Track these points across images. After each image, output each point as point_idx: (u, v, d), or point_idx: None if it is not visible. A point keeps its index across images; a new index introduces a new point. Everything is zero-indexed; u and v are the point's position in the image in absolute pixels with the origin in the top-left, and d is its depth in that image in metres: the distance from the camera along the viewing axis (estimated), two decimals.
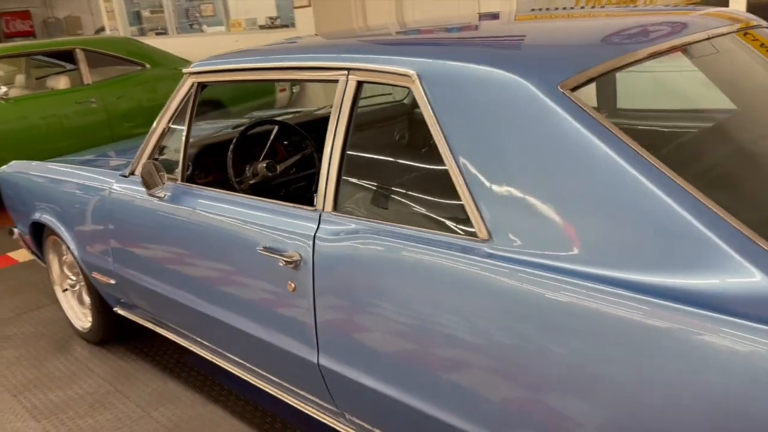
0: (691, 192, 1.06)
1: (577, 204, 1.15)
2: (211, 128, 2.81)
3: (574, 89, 1.22)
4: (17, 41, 9.44)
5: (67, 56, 5.69)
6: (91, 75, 5.54)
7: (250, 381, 2.04)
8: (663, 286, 1.03)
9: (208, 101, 5.79)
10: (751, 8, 3.91)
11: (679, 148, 1.52)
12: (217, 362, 2.19)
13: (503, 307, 1.19)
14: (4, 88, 5.04)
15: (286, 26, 7.20)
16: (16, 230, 3.19)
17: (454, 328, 1.26)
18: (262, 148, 2.36)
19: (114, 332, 2.86)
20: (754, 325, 0.93)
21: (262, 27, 7.51)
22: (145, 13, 9.61)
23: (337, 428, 1.75)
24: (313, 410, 1.82)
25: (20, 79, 5.94)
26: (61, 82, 5.51)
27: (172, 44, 8.19)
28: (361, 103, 1.56)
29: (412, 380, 1.38)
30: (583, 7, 4.69)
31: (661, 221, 1.06)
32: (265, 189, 2.25)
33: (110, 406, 2.44)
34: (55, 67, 6.16)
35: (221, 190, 1.94)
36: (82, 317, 2.96)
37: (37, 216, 2.83)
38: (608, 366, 1.06)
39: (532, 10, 4.01)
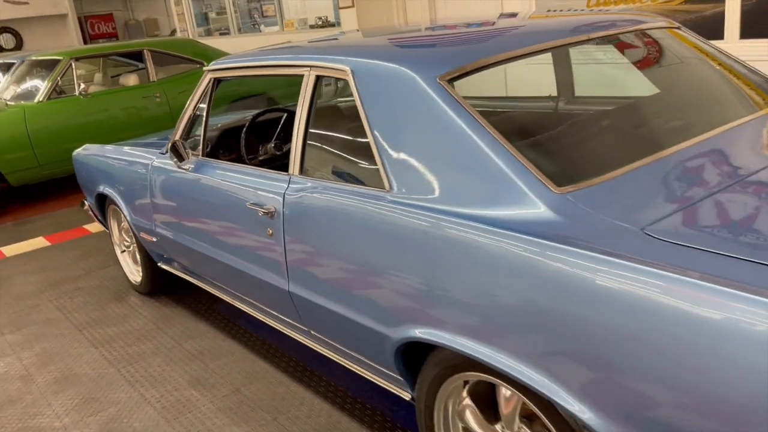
0: (510, 150, 1.50)
1: (441, 162, 1.60)
2: (237, 115, 3.38)
3: (450, 80, 1.67)
4: (101, 42, 10.42)
5: (137, 56, 6.45)
6: (156, 73, 6.27)
7: (260, 319, 2.56)
8: (489, 216, 1.47)
9: (258, 95, 6.43)
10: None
11: (521, 121, 1.95)
12: (235, 305, 2.74)
13: (403, 237, 1.64)
14: (82, 86, 5.81)
15: (333, 25, 7.76)
16: (86, 203, 3.87)
17: (374, 255, 1.73)
18: (275, 131, 2.90)
19: (159, 284, 3.47)
20: (535, 239, 1.36)
21: (312, 26, 8.10)
22: (212, 15, 10.41)
23: (308, 345, 2.26)
24: (295, 334, 2.33)
25: (98, 77, 6.76)
26: (131, 80, 6.27)
27: (232, 43, 8.93)
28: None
29: (349, 298, 1.87)
30: (584, 9, 5.00)
31: (489, 172, 1.50)
32: (273, 165, 2.78)
33: (152, 339, 3.05)
34: (129, 66, 6.94)
35: (228, 162, 2.48)
36: (135, 273, 3.59)
37: (100, 188, 3.48)
38: (453, 268, 1.50)
39: (548, 10, 4.39)
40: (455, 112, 1.59)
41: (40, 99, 5.69)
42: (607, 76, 2.41)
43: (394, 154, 1.71)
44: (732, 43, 4.26)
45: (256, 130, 2.91)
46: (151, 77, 6.24)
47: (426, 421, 1.75)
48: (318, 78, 2.04)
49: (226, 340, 2.95)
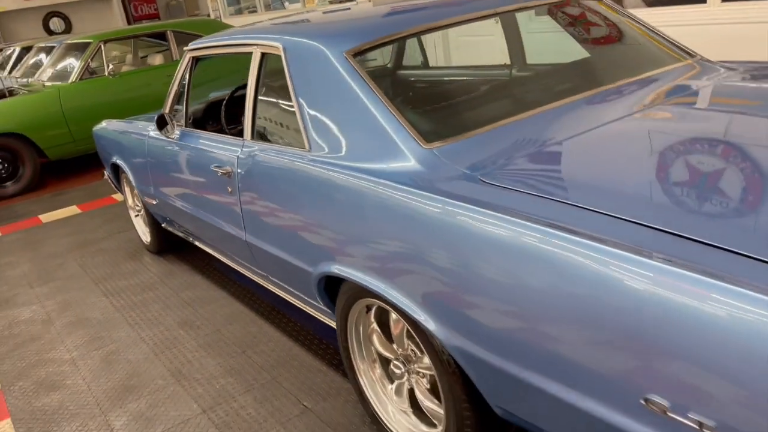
0: (394, 114, 1.78)
1: (344, 125, 1.90)
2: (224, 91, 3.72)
3: (355, 54, 1.96)
4: (144, 23, 10.92)
5: (163, 37, 6.87)
6: (179, 52, 6.68)
7: (243, 272, 2.91)
8: (375, 168, 1.77)
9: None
10: None
11: (414, 88, 2.20)
12: (216, 256, 3.11)
13: (317, 190, 1.95)
14: (111, 66, 6.27)
15: (352, 0, 8.00)
16: (105, 173, 4.31)
17: (298, 204, 2.05)
18: None
19: (165, 244, 3.89)
20: (401, 186, 1.65)
21: (331, 2, 8.36)
22: None
23: (272, 289, 2.61)
24: (260, 280, 2.68)
25: (129, 57, 7.23)
26: (157, 59, 6.71)
27: (257, 20, 9.25)
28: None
29: (284, 242, 2.19)
30: None
31: (377, 132, 1.79)
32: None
33: (154, 290, 3.47)
34: (159, 47, 7.38)
35: (203, 131, 2.82)
36: (146, 234, 4.02)
37: (114, 159, 3.90)
38: (349, 214, 1.79)
39: None
40: (355, 82, 1.89)
41: (73, 79, 6.18)
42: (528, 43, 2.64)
43: (311, 119, 2.02)
44: (714, 6, 4.34)
45: (237, 102, 3.24)
46: (174, 56, 6.66)
47: (343, 342, 2.07)
48: (263, 55, 2.35)
49: (216, 290, 3.34)
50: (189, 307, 3.20)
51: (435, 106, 1.97)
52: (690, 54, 2.35)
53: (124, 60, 7.31)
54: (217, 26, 7.08)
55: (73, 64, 6.38)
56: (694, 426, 1.04)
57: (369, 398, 2.05)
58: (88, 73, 6.29)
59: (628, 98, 1.97)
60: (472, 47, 5.86)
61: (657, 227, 1.18)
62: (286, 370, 2.52)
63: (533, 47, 2.60)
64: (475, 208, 1.43)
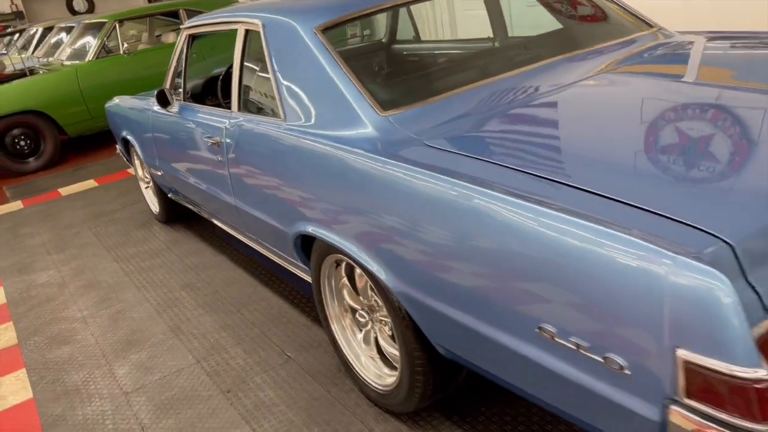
0: (356, 85, 1.94)
1: (313, 96, 2.06)
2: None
3: (323, 30, 2.11)
4: (159, 2, 11.12)
5: (176, 15, 7.05)
6: None
7: (242, 240, 3.11)
8: (338, 135, 1.93)
9: None
10: None
11: (380, 61, 2.35)
12: (214, 222, 3.32)
13: (291, 156, 2.13)
14: (126, 45, 6.49)
15: None
16: (117, 147, 4.53)
17: (276, 170, 2.22)
18: None
19: (172, 213, 4.11)
20: (361, 152, 1.81)
21: None
22: None
23: (265, 254, 2.81)
24: (252, 243, 2.88)
25: (144, 36, 7.44)
26: (170, 37, 6.90)
27: None
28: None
29: (265, 205, 2.38)
30: None
31: (341, 102, 1.95)
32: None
33: (161, 256, 3.70)
34: (173, 25, 7.57)
35: (199, 105, 3.01)
36: (155, 205, 4.25)
37: (123, 133, 4.11)
38: (317, 177, 1.96)
39: None
40: (322, 56, 2.05)
41: (90, 58, 6.41)
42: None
43: (286, 91, 2.19)
44: None
45: (226, 78, 3.41)
46: None
47: (317, 296, 2.26)
48: (246, 31, 2.51)
49: (218, 256, 3.55)
50: (192, 271, 3.42)
51: (399, 78, 2.13)
52: (649, 24, 2.46)
53: (139, 38, 7.52)
54: (226, 4, 7.24)
55: (90, 43, 6.61)
56: (573, 347, 1.21)
57: (341, 347, 2.24)
58: (104, 51, 6.51)
59: (579, 67, 2.09)
60: (473, 20, 5.96)
61: (561, 181, 1.33)
62: (274, 326, 2.73)
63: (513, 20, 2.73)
64: (410, 167, 1.59)
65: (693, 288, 1.00)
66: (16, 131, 6.24)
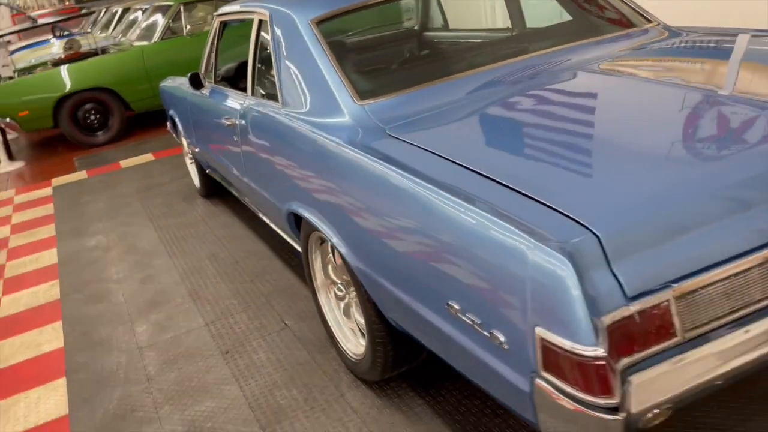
0: (340, 76, 2.08)
1: (305, 84, 2.22)
2: None
3: (318, 23, 2.26)
4: None
5: None
6: None
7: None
8: (322, 122, 2.09)
9: None
10: None
11: (367, 52, 2.46)
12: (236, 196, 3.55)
13: (285, 139, 2.30)
14: (189, 27, 6.84)
15: None
16: (168, 123, 4.86)
17: (274, 150, 2.40)
18: None
19: (210, 188, 4.39)
20: (335, 138, 1.96)
21: None
22: None
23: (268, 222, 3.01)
24: (263, 217, 3.09)
25: (209, 18, 7.79)
26: None
27: None
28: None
29: (265, 183, 2.57)
30: None
31: (326, 92, 2.10)
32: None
33: (195, 227, 3.98)
34: None
35: (226, 87, 3.23)
36: (196, 179, 4.54)
37: (170, 112, 4.42)
38: (303, 159, 2.13)
39: None
40: (312, 46, 2.20)
41: (156, 39, 6.81)
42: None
43: (285, 78, 2.36)
44: None
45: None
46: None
47: (307, 270, 2.44)
48: (260, 21, 2.69)
49: (245, 229, 3.80)
50: (219, 242, 3.68)
51: (376, 68, 2.26)
52: (648, 19, 2.47)
53: (204, 21, 7.88)
54: None
55: (157, 24, 7.00)
56: (470, 322, 1.33)
57: (326, 318, 2.41)
58: (169, 33, 6.89)
59: (554, 62, 2.16)
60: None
61: (477, 171, 1.44)
62: (279, 296, 2.93)
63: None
64: (360, 153, 1.74)
65: (548, 273, 1.11)
66: (87, 106, 6.72)
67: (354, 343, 2.30)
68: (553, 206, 1.23)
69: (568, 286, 1.08)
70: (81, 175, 5.80)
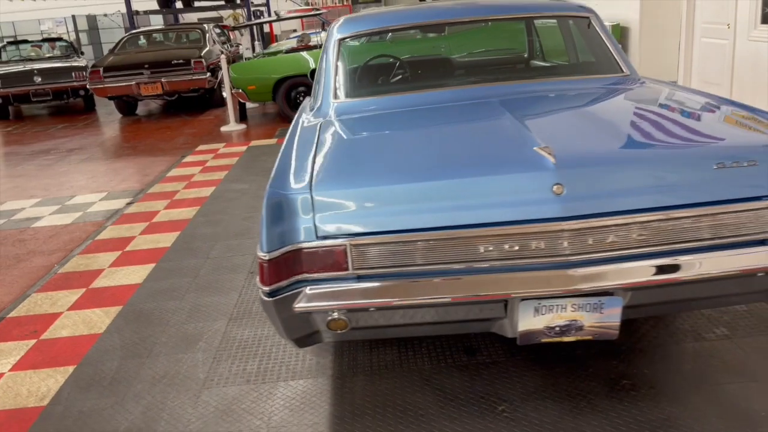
0: (331, 80, 2.82)
1: (322, 84, 3.00)
2: None
3: (342, 39, 3.01)
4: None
5: None
6: None
7: None
8: (317, 110, 2.85)
9: None
10: None
11: (367, 65, 3.07)
12: None
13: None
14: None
15: None
16: None
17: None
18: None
19: None
20: (313, 122, 2.72)
21: None
22: None
23: None
24: None
25: None
26: None
27: None
28: None
29: None
30: None
31: (328, 91, 2.86)
32: None
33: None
34: None
35: None
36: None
37: None
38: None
39: None
40: (327, 58, 2.97)
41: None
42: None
43: (318, 78, 3.15)
44: None
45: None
46: None
47: None
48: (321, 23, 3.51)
49: None
50: None
51: (362, 76, 2.95)
52: (621, 69, 2.76)
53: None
54: None
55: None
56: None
57: None
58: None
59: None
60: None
61: (334, 150, 2.11)
62: None
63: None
64: (306, 127, 2.49)
65: (274, 206, 1.79)
66: (301, 89, 8.18)
67: None
68: (312, 173, 1.89)
69: (272, 217, 1.75)
70: (273, 141, 7.20)
